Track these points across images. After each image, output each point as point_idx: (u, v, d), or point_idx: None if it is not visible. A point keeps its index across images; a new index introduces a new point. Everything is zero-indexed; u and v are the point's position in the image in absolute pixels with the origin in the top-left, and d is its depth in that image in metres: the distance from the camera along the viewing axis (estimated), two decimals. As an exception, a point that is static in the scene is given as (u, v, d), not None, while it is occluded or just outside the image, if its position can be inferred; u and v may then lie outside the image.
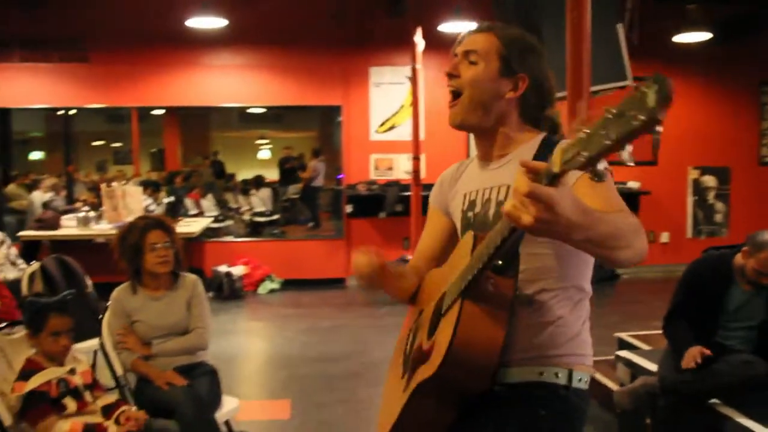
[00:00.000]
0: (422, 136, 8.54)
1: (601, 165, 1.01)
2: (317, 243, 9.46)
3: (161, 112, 13.78)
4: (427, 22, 7.96)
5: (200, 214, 10.86)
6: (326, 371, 5.40)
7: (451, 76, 1.67)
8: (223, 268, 8.43)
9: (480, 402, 1.53)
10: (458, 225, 1.79)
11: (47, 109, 10.60)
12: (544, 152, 1.55)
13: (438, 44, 8.36)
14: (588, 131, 0.99)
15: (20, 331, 2.98)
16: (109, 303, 3.40)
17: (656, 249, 9.45)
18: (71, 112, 11.40)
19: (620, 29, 3.61)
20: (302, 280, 8.90)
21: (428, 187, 8.89)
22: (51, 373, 2.78)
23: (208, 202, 11.93)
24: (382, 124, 9.01)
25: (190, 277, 3.47)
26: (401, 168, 8.91)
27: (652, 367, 3.61)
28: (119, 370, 3.26)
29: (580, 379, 1.57)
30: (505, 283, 1.48)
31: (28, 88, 8.75)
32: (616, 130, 0.94)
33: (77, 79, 8.78)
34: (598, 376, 4.11)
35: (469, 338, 1.41)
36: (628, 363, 3.97)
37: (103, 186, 8.62)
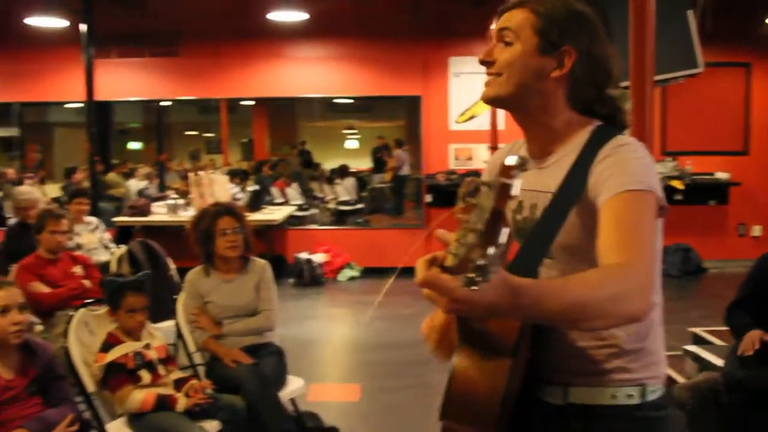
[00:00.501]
0: (501, 125, 8.51)
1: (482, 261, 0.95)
2: (398, 232, 9.56)
3: (251, 103, 14.22)
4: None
5: (285, 202, 11.11)
6: (398, 357, 5.50)
7: (485, 63, 1.44)
8: (304, 255, 8.65)
9: (555, 420, 1.44)
10: (510, 226, 1.58)
11: (143, 101, 11.15)
12: (589, 151, 1.38)
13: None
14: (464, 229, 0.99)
15: (104, 308, 3.20)
16: (184, 285, 3.61)
17: (747, 243, 9.08)
18: (165, 104, 11.95)
19: (691, 15, 3.51)
20: (382, 269, 9.03)
21: (505, 176, 9.00)
22: (128, 347, 2.99)
23: (294, 191, 12.19)
24: (462, 114, 9.00)
25: (260, 262, 3.63)
26: (481, 158, 8.90)
27: (720, 362, 3.53)
28: (192, 348, 3.46)
29: (654, 391, 1.44)
30: (506, 326, 1.27)
31: (124, 82, 9.23)
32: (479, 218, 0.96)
33: (168, 73, 9.20)
34: (669, 371, 4.04)
35: (465, 392, 1.28)
36: (696, 357, 3.89)
37: (191, 175, 8.98)
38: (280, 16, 7.82)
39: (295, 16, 7.81)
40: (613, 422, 1.41)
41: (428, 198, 9.06)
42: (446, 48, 8.94)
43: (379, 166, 13.81)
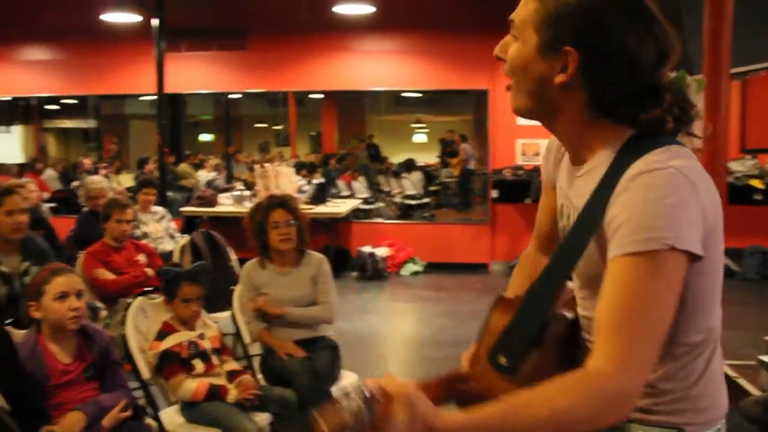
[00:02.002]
0: (570, 120, 8.33)
1: None
2: (462, 227, 9.46)
3: (319, 96, 14.34)
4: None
5: (351, 195, 11.14)
6: (457, 354, 5.41)
7: (499, 59, 1.26)
8: (367, 249, 8.65)
9: None
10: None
11: (213, 94, 11.37)
12: (613, 173, 1.15)
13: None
14: None
15: (161, 297, 3.25)
16: (240, 276, 3.63)
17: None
18: (234, 97, 12.14)
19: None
20: (445, 264, 8.95)
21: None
22: (183, 336, 3.02)
23: (360, 185, 12.21)
24: (530, 109, 8.85)
25: (316, 256, 3.62)
26: (548, 153, 8.71)
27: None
28: (247, 339, 3.48)
29: None
30: (503, 386, 1.19)
31: (193, 75, 9.44)
32: None
33: (236, 66, 9.35)
34: (742, 382, 3.86)
35: None
36: (771, 367, 3.69)
37: (256, 167, 9.10)
38: (346, 9, 7.82)
39: (361, 9, 7.79)
40: None
41: (494, 194, 8.92)
42: (514, 41, 8.77)
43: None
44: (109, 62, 9.45)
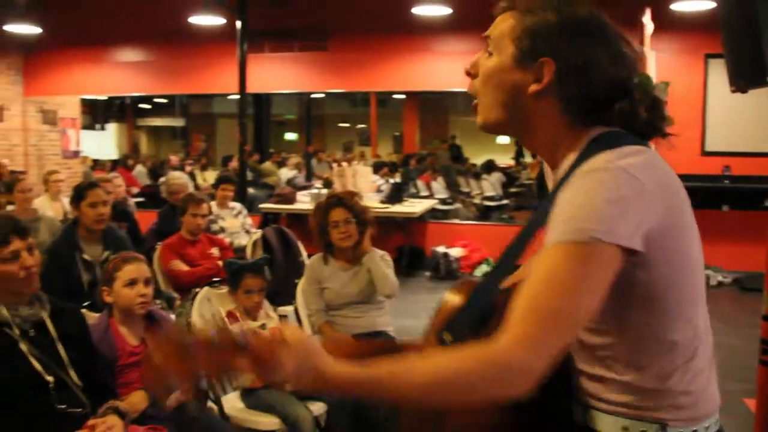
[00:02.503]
0: (650, 122, 8.13)
1: None
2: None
3: (401, 97, 14.46)
4: (659, 2, 7.50)
5: (430, 196, 11.19)
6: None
7: (469, 74, 1.33)
8: (441, 249, 8.69)
9: None
10: None
11: (295, 94, 11.67)
12: (576, 165, 1.19)
13: (672, 25, 7.88)
14: None
15: (225, 288, 3.41)
16: (305, 270, 3.76)
17: None
18: (316, 97, 12.41)
19: None
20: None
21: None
22: (244, 326, 3.16)
23: (439, 185, 12.24)
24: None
25: (377, 253, 3.71)
26: (628, 156, 8.54)
27: None
28: (308, 332, 3.60)
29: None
30: None
31: (275, 75, 9.71)
32: None
33: (317, 66, 9.56)
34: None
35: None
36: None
37: (334, 166, 9.28)
38: (425, 10, 7.88)
39: (439, 10, 7.84)
40: None
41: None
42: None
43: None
44: (196, 63, 9.86)
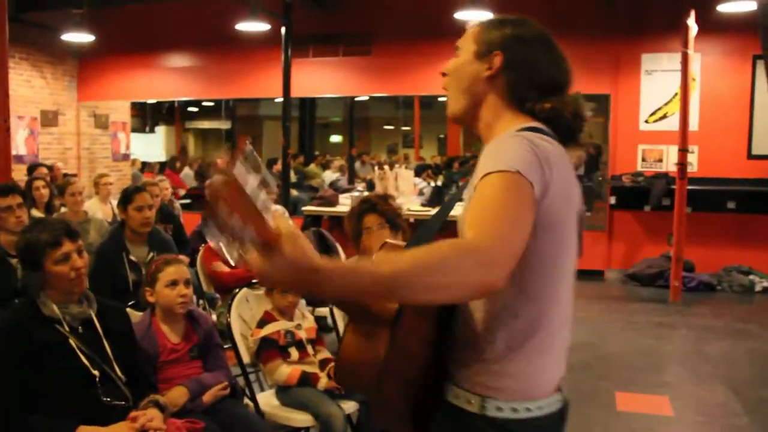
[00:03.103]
0: (694, 126, 8.05)
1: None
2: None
3: (445, 99, 14.52)
4: (703, 4, 7.43)
5: (472, 198, 11.19)
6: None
7: (443, 74, 1.63)
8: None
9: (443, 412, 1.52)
10: None
11: (343, 97, 11.83)
12: None
13: (718, 27, 7.81)
14: None
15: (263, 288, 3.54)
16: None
17: None
18: (361, 100, 12.53)
19: None
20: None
21: (697, 181, 8.27)
22: (281, 325, 3.29)
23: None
24: (653, 114, 8.62)
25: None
26: (671, 160, 8.45)
27: None
28: (342, 332, 3.70)
29: (499, 408, 1.43)
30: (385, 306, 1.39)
31: (320, 79, 9.88)
32: None
33: (361, 71, 9.71)
34: None
35: (350, 360, 1.45)
36: None
37: (377, 170, 9.39)
38: (467, 15, 7.94)
39: (481, 15, 7.89)
40: (453, 422, 1.46)
41: (612, 200, 8.76)
42: (639, 44, 8.60)
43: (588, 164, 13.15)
44: (242, 68, 10.09)
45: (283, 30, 8.76)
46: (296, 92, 9.31)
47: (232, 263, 1.15)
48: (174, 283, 2.91)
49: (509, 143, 1.39)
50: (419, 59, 9.28)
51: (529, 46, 1.55)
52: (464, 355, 1.46)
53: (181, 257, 3.58)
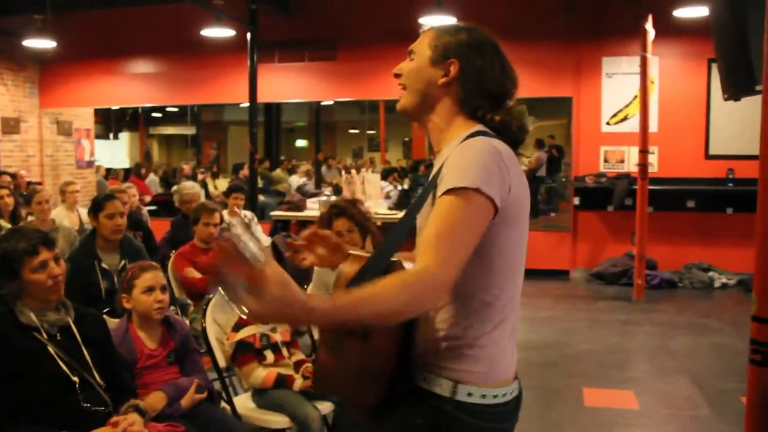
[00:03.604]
0: (654, 128, 8.27)
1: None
2: (545, 234, 9.48)
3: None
4: (661, 9, 7.64)
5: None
6: (526, 358, 5.54)
7: (396, 75, 1.69)
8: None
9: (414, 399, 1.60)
10: None
11: (304, 102, 11.85)
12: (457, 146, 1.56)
13: (675, 31, 8.03)
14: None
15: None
16: (313, 276, 3.91)
17: None
18: (326, 104, 12.56)
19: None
20: (526, 270, 8.98)
21: (658, 181, 8.44)
22: (256, 329, 3.32)
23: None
24: (614, 116, 8.82)
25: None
26: (633, 161, 8.64)
27: None
28: (316, 335, 3.74)
29: (470, 394, 1.52)
30: None
31: (285, 84, 9.90)
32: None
33: (326, 75, 9.76)
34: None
35: (325, 368, 1.56)
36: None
37: (344, 173, 9.43)
38: (431, 20, 8.04)
39: (445, 20, 8.00)
40: (423, 407, 1.55)
41: (576, 201, 8.93)
42: (599, 48, 8.78)
43: (549, 165, 13.28)
44: (208, 73, 10.07)
45: (248, 36, 8.77)
46: (262, 97, 9.32)
47: (245, 317, 1.31)
48: (150, 289, 2.93)
49: (476, 154, 1.48)
50: (384, 64, 9.30)
51: (484, 55, 1.62)
52: (436, 342, 1.55)
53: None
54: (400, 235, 1.58)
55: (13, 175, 8.27)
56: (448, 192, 1.43)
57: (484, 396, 1.53)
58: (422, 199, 1.58)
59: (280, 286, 1.25)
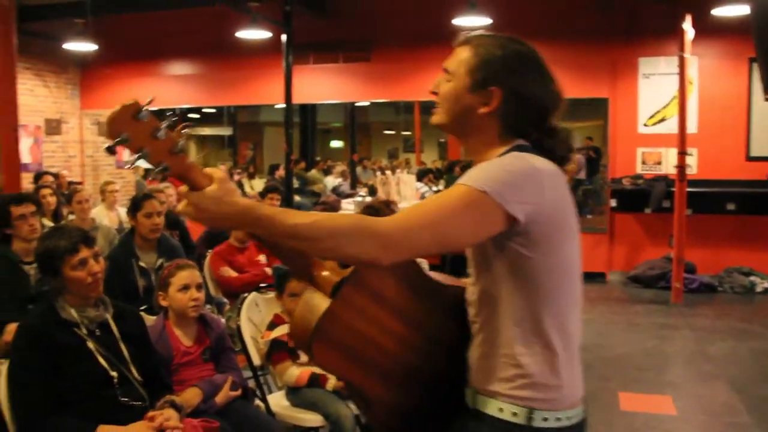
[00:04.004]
0: (693, 129, 8.13)
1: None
2: (581, 236, 9.36)
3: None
4: (699, 8, 7.52)
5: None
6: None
7: (433, 93, 1.61)
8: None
9: (460, 417, 1.58)
10: None
11: (339, 103, 11.90)
12: None
13: (714, 30, 7.90)
14: None
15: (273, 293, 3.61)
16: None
17: None
18: (361, 105, 12.59)
19: None
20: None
21: (697, 183, 8.33)
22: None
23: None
24: (652, 117, 8.70)
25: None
26: (671, 162, 8.51)
27: None
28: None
29: (545, 419, 1.47)
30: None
31: (321, 85, 9.97)
32: None
33: (361, 77, 9.80)
34: None
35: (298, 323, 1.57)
36: None
37: (379, 174, 9.46)
38: (465, 21, 8.02)
39: (479, 21, 7.97)
40: (496, 426, 1.49)
41: (613, 202, 8.83)
42: (636, 48, 8.67)
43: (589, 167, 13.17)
44: (243, 75, 10.19)
45: (283, 37, 8.83)
46: (297, 99, 9.38)
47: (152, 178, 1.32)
48: (186, 288, 2.97)
49: (498, 165, 1.43)
50: (418, 65, 9.35)
51: (526, 76, 1.52)
52: (502, 370, 1.49)
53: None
54: None
55: (56, 175, 8.44)
56: (455, 185, 1.40)
57: (558, 419, 1.48)
58: None
59: (221, 186, 1.32)
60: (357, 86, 9.97)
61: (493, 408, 1.49)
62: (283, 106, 9.27)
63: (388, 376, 1.55)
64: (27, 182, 8.20)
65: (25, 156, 10.03)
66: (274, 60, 9.31)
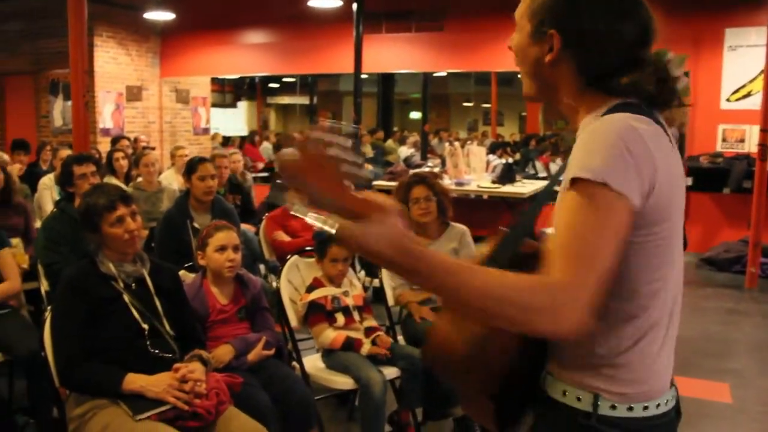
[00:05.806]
0: (777, 105, 7.70)
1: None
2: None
3: (524, 76, 14.28)
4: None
5: (549, 177, 11.07)
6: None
7: (510, 48, 1.44)
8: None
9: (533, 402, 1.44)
10: None
11: (418, 74, 11.84)
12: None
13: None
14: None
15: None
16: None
17: None
18: (438, 75, 12.49)
19: None
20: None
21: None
22: (328, 291, 3.41)
23: (556, 166, 12.06)
24: (736, 92, 8.28)
25: (459, 228, 3.84)
26: (754, 141, 8.10)
27: None
28: (390, 302, 3.79)
29: (613, 407, 1.32)
30: None
31: (393, 55, 9.95)
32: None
33: (434, 46, 9.71)
34: None
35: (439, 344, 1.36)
36: None
37: (447, 146, 9.40)
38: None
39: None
40: (558, 419, 1.36)
41: (689, 181, 8.49)
42: (722, 18, 8.25)
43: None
44: (316, 44, 10.27)
45: (354, 6, 8.83)
46: (369, 68, 9.39)
47: (332, 232, 1.08)
48: (223, 249, 3.06)
49: (603, 141, 1.21)
50: (492, 35, 9.17)
51: (592, 11, 1.31)
52: (573, 354, 1.35)
53: (237, 226, 3.73)
54: (529, 221, 1.43)
55: (134, 140, 8.77)
56: (573, 186, 1.19)
57: (630, 408, 1.32)
58: (552, 183, 1.45)
59: (391, 221, 1.09)
60: (430, 56, 9.90)
61: (556, 391, 1.38)
62: (365, 76, 9.27)
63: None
64: (108, 146, 8.54)
65: (107, 121, 10.46)
66: (347, 29, 9.34)
